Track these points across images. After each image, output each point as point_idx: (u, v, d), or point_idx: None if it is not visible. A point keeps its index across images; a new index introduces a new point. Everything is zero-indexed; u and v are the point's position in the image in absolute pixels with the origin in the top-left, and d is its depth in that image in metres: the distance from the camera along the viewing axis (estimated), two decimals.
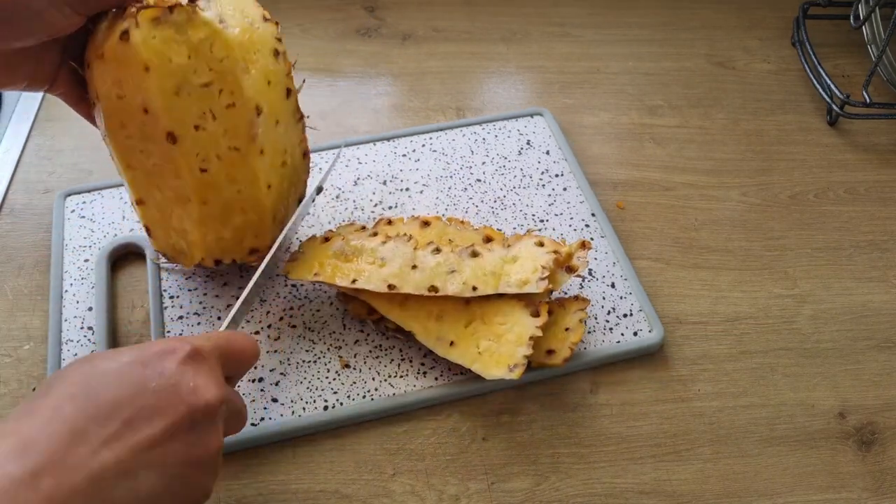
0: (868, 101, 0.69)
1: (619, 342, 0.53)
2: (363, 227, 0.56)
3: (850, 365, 0.55)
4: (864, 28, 0.77)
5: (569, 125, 0.70)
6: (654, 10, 0.84)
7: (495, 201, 0.62)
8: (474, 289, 0.50)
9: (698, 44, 0.80)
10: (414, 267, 0.51)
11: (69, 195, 0.61)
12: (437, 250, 0.52)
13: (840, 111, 0.70)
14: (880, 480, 0.49)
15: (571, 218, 0.61)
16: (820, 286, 0.59)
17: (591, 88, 0.75)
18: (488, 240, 0.54)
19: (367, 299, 0.52)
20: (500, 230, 0.58)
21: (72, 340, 0.53)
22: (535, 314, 0.49)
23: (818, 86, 0.73)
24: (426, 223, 0.56)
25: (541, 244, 0.52)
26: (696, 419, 0.51)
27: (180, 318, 0.54)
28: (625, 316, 0.55)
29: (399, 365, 0.52)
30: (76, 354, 0.52)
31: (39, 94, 0.71)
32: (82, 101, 0.49)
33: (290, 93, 0.49)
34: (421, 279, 0.50)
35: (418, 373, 0.51)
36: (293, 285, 0.56)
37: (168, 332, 0.53)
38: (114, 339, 0.53)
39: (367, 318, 0.53)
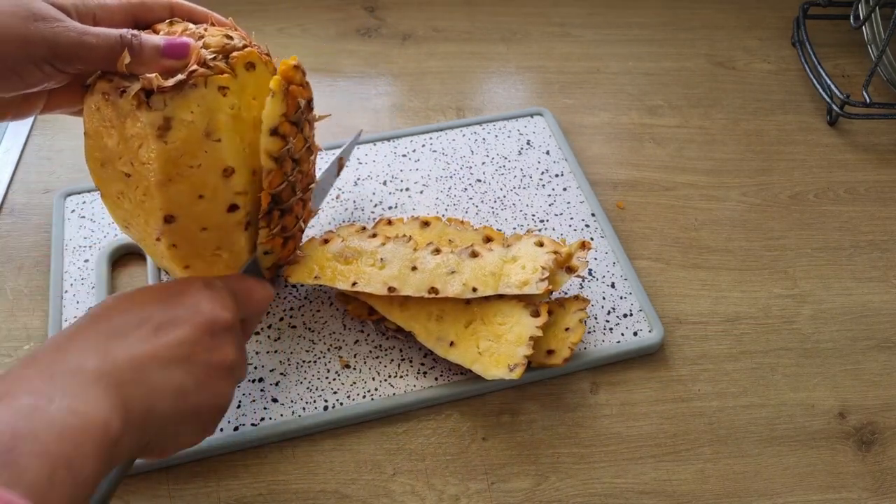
0: (868, 101, 0.69)
1: (619, 342, 0.53)
2: (363, 228, 0.56)
3: (850, 365, 0.55)
4: (864, 28, 0.77)
5: (569, 125, 0.70)
6: (654, 10, 0.84)
7: (495, 201, 0.62)
8: (474, 290, 0.50)
9: (698, 44, 0.80)
10: (414, 268, 0.51)
11: (69, 195, 0.61)
12: (437, 251, 0.52)
13: (840, 111, 0.70)
14: (880, 480, 0.49)
15: (571, 218, 0.61)
16: (820, 286, 0.59)
17: (591, 88, 0.75)
18: (488, 240, 0.54)
19: (367, 300, 0.52)
20: (500, 230, 0.59)
21: None
22: (535, 314, 0.49)
23: (818, 86, 0.73)
24: (426, 223, 0.56)
25: (540, 244, 0.52)
26: (696, 419, 0.51)
27: None
28: (625, 316, 0.55)
29: (399, 365, 0.52)
30: None
31: None
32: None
33: (234, 208, 0.45)
34: (421, 281, 0.50)
35: (418, 373, 0.51)
36: (293, 286, 0.56)
37: None
38: None
39: (368, 319, 0.53)
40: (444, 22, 0.81)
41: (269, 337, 0.53)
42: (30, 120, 0.69)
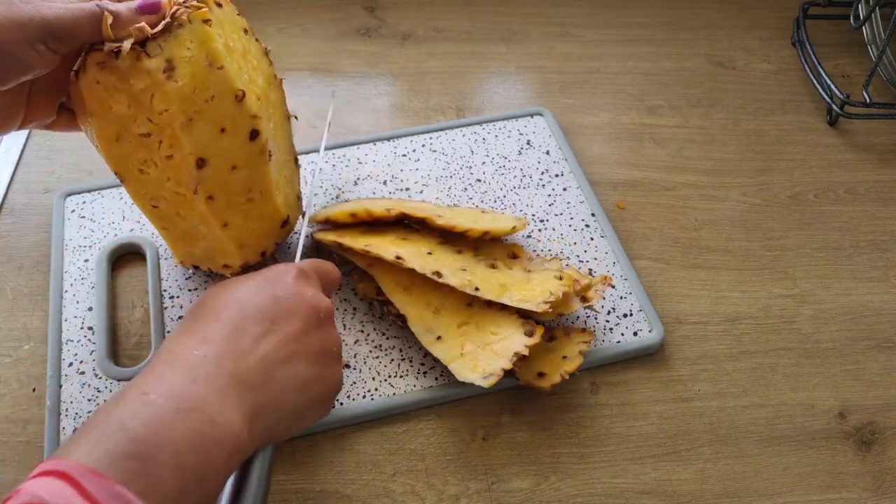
0: (868, 101, 0.69)
1: (619, 342, 0.53)
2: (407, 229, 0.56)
3: (850, 365, 0.55)
4: (864, 28, 0.77)
5: (569, 125, 0.70)
6: (654, 10, 0.84)
7: (495, 201, 0.62)
8: (476, 289, 0.50)
9: (698, 44, 0.80)
10: (430, 253, 0.52)
11: (69, 195, 0.61)
12: (459, 251, 0.53)
13: (840, 111, 0.70)
14: (880, 480, 0.49)
15: (571, 218, 0.61)
16: (820, 286, 0.59)
17: (591, 88, 0.75)
18: (514, 256, 0.55)
19: (376, 276, 0.52)
20: (532, 250, 0.59)
21: (72, 340, 0.53)
22: (530, 334, 0.49)
23: (818, 86, 0.73)
24: (459, 251, 0.55)
25: (560, 279, 0.51)
26: (696, 419, 0.51)
27: (180, 317, 0.54)
28: (625, 316, 0.55)
29: (399, 365, 0.52)
30: (76, 354, 0.52)
31: None
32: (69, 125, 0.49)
33: (255, 134, 0.46)
34: (430, 263, 0.51)
35: (418, 373, 0.51)
36: None
37: (168, 331, 0.53)
38: (114, 339, 0.53)
39: (375, 299, 0.53)
40: (444, 22, 0.81)
41: None
42: None
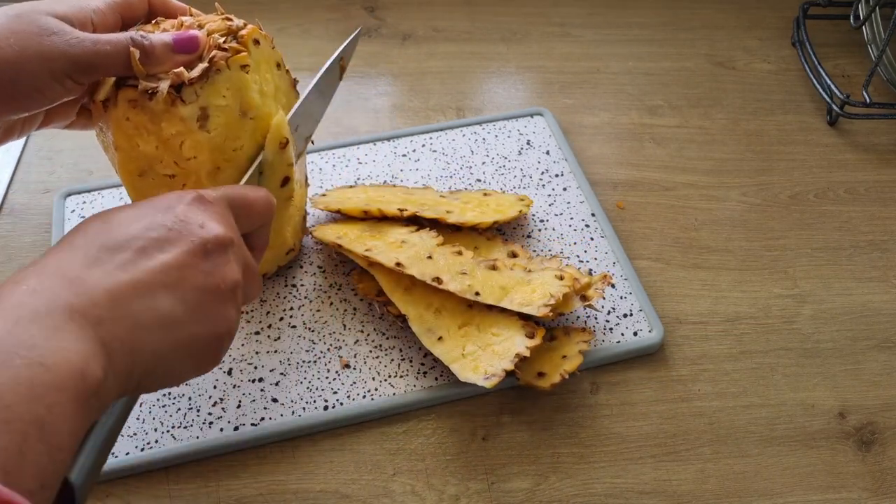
0: (868, 101, 0.69)
1: (619, 342, 0.53)
2: (410, 227, 0.56)
3: (850, 365, 0.55)
4: (864, 28, 0.77)
5: (569, 125, 0.70)
6: (654, 10, 0.84)
7: None
8: (476, 294, 0.50)
9: (698, 44, 0.80)
10: (430, 257, 0.52)
11: (69, 195, 0.61)
12: (459, 252, 0.52)
13: (840, 111, 0.70)
14: (880, 480, 0.49)
15: (571, 218, 0.61)
16: (820, 286, 0.59)
17: (591, 88, 0.75)
18: (514, 255, 0.55)
19: (377, 276, 0.52)
20: (532, 250, 0.59)
21: None
22: (531, 335, 0.49)
23: (818, 86, 0.73)
24: (459, 228, 0.56)
25: (560, 278, 0.51)
26: (696, 419, 0.51)
27: None
28: (625, 316, 0.55)
29: (399, 365, 0.52)
30: None
31: None
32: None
33: (286, 181, 0.47)
34: (429, 268, 0.51)
35: (418, 373, 0.51)
36: (293, 285, 0.56)
37: None
38: None
39: (375, 300, 0.54)
40: (444, 22, 0.81)
41: (269, 337, 0.53)
42: None
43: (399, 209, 0.56)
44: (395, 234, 0.54)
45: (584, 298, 0.52)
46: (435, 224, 0.56)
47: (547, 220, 0.61)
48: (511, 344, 0.49)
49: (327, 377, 0.51)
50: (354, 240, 0.54)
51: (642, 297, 0.56)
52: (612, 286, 0.55)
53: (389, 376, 0.51)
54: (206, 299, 0.35)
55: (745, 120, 0.72)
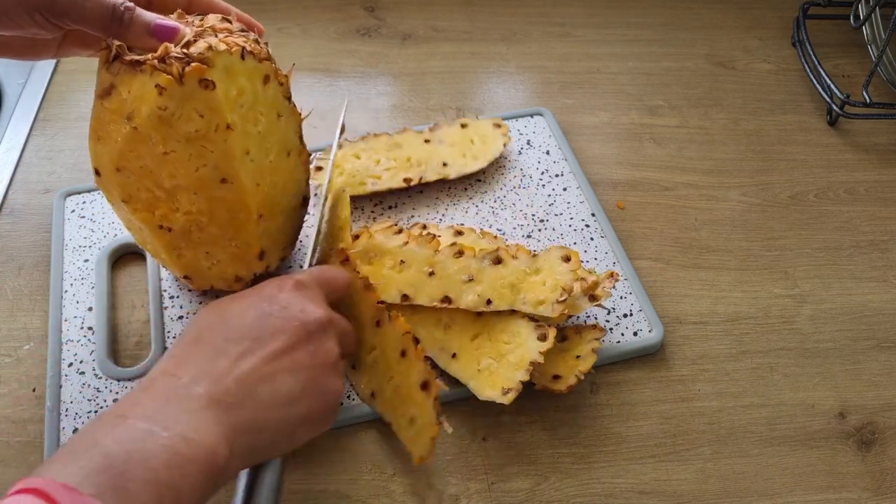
0: (868, 101, 0.69)
1: (619, 342, 0.53)
2: (396, 227, 0.54)
3: (850, 365, 0.55)
4: (864, 28, 0.77)
5: (569, 125, 0.70)
6: (654, 10, 0.84)
7: (495, 201, 0.62)
8: (489, 302, 0.49)
9: (698, 44, 0.80)
10: (431, 273, 0.51)
11: (69, 195, 0.61)
12: (460, 253, 0.51)
13: (840, 111, 0.70)
14: (880, 480, 0.49)
15: (571, 218, 0.61)
16: (820, 286, 0.59)
17: (591, 88, 0.75)
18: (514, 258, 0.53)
19: (382, 295, 0.51)
20: (532, 249, 0.55)
21: (72, 340, 0.53)
22: (543, 338, 0.48)
23: (818, 86, 0.73)
24: (459, 233, 0.56)
25: (567, 259, 0.50)
26: (696, 419, 0.51)
27: (180, 318, 0.54)
28: (625, 316, 0.55)
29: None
30: (76, 354, 0.52)
31: (40, 94, 0.71)
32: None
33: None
34: (436, 288, 0.50)
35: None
36: None
37: (168, 332, 0.53)
38: (114, 338, 0.53)
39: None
40: (444, 22, 0.81)
41: None
42: (30, 120, 0.69)
43: (405, 179, 0.59)
44: (391, 254, 0.52)
45: (592, 298, 0.51)
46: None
47: (547, 220, 0.61)
48: (524, 351, 0.48)
49: None
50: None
51: (642, 297, 0.56)
52: (617, 284, 0.55)
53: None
54: (316, 375, 0.41)
55: (745, 120, 0.72)
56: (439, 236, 0.54)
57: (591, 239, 0.60)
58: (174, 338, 0.53)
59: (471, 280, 0.50)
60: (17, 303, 0.56)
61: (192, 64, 0.42)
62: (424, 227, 0.57)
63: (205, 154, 0.44)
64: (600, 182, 0.65)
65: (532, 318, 0.50)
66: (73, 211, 0.60)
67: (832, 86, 0.71)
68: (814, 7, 0.79)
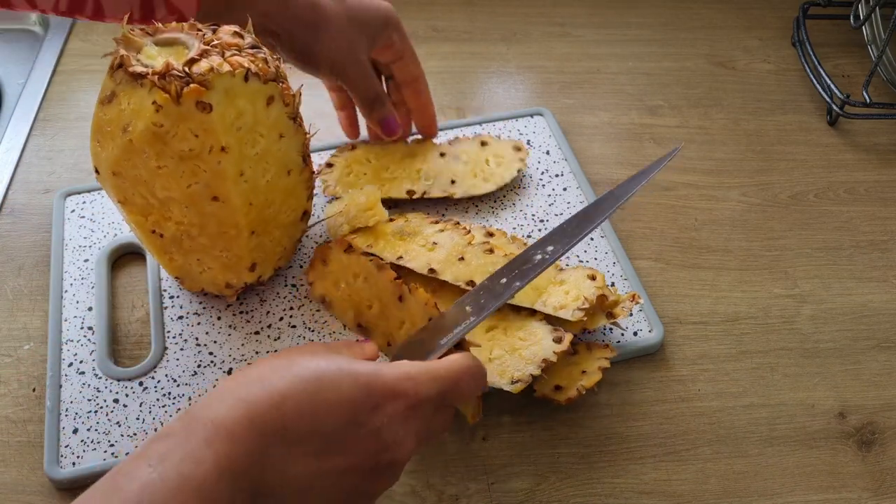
0: (868, 101, 0.69)
1: (619, 342, 0.53)
2: (435, 221, 0.56)
3: (850, 365, 0.55)
4: (864, 28, 0.77)
5: (569, 125, 0.70)
6: (654, 10, 0.84)
7: (495, 201, 0.62)
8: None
9: (698, 44, 0.80)
10: (461, 259, 0.52)
11: (69, 195, 0.61)
12: (491, 251, 0.52)
13: (840, 111, 0.70)
14: (880, 480, 0.49)
15: None
16: (820, 286, 0.59)
17: (591, 88, 0.75)
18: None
19: (405, 274, 0.52)
20: (560, 264, 0.55)
21: (72, 340, 0.53)
22: (559, 340, 0.49)
23: (818, 86, 0.73)
24: (490, 234, 0.56)
25: (593, 277, 0.52)
26: (696, 419, 0.51)
27: (180, 318, 0.54)
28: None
29: None
30: (76, 354, 0.52)
31: (40, 94, 0.71)
32: None
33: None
34: (462, 272, 0.51)
35: None
36: (293, 285, 0.56)
37: (168, 331, 0.53)
38: (114, 338, 0.53)
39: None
40: (444, 22, 0.81)
41: (268, 337, 0.53)
42: (30, 120, 0.69)
43: (408, 191, 0.59)
44: (424, 235, 0.54)
45: (610, 315, 0.51)
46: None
47: (547, 221, 0.61)
48: (539, 349, 0.48)
49: None
50: (385, 247, 0.54)
51: (642, 297, 0.56)
52: (640, 304, 0.53)
53: None
54: (349, 499, 0.35)
55: (745, 120, 0.72)
56: (468, 230, 0.55)
57: (591, 239, 0.60)
58: (174, 337, 0.53)
59: None
60: (17, 303, 0.56)
61: (191, 85, 0.41)
62: (458, 223, 0.56)
63: (197, 172, 0.44)
64: (600, 182, 0.65)
65: (549, 323, 0.50)
66: (73, 211, 0.60)
67: (832, 86, 0.71)
68: (814, 7, 0.79)
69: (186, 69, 0.41)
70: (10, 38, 0.80)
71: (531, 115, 0.69)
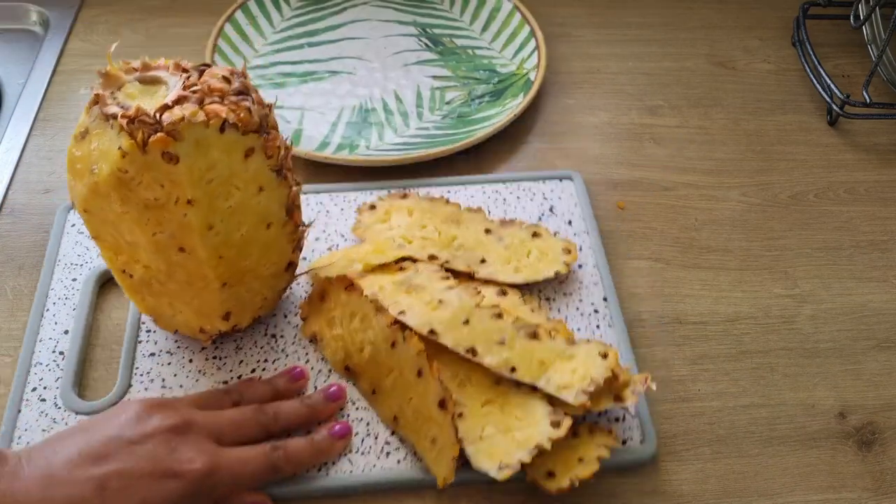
0: (868, 101, 0.69)
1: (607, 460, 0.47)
2: (447, 276, 0.52)
3: (850, 365, 0.55)
4: (864, 28, 0.77)
5: (569, 125, 0.70)
6: (654, 10, 0.84)
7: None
8: (513, 370, 0.47)
9: (698, 44, 0.80)
10: (466, 322, 0.48)
11: (73, 208, 0.59)
12: (499, 316, 0.49)
13: (840, 111, 0.70)
14: (880, 480, 0.49)
15: (580, 300, 0.56)
16: (820, 286, 0.59)
17: (591, 88, 0.75)
18: (554, 331, 0.50)
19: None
20: (572, 329, 0.54)
21: (41, 364, 0.51)
22: (557, 424, 0.45)
23: (818, 86, 0.73)
24: (503, 292, 0.54)
25: (604, 355, 0.48)
26: (696, 419, 0.51)
27: (152, 354, 0.52)
28: (616, 420, 0.50)
29: (363, 440, 0.48)
30: (42, 380, 0.50)
31: (40, 94, 0.71)
32: None
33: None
34: (465, 337, 0.48)
35: (381, 451, 0.48)
36: (272, 335, 0.53)
37: (136, 368, 0.51)
38: (84, 366, 0.52)
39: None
40: None
41: None
42: (30, 120, 0.69)
43: (430, 255, 0.55)
44: (432, 290, 0.50)
45: (617, 398, 0.47)
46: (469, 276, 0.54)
47: (554, 300, 0.56)
48: (534, 431, 0.45)
49: None
50: (388, 295, 0.50)
51: (641, 401, 0.51)
52: (653, 388, 0.47)
53: (350, 451, 0.48)
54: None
55: (745, 120, 0.72)
56: (479, 291, 0.51)
57: (598, 327, 0.54)
58: (141, 375, 0.51)
59: (502, 343, 0.48)
60: (17, 303, 0.56)
61: (159, 134, 0.39)
62: (472, 276, 0.54)
63: (163, 222, 0.42)
64: (600, 182, 0.65)
65: (550, 402, 0.47)
66: (73, 225, 0.59)
67: (832, 86, 0.71)
68: (814, 7, 0.79)
69: (158, 115, 0.39)
70: (10, 38, 0.80)
71: (560, 179, 0.64)
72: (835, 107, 0.70)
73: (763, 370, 0.54)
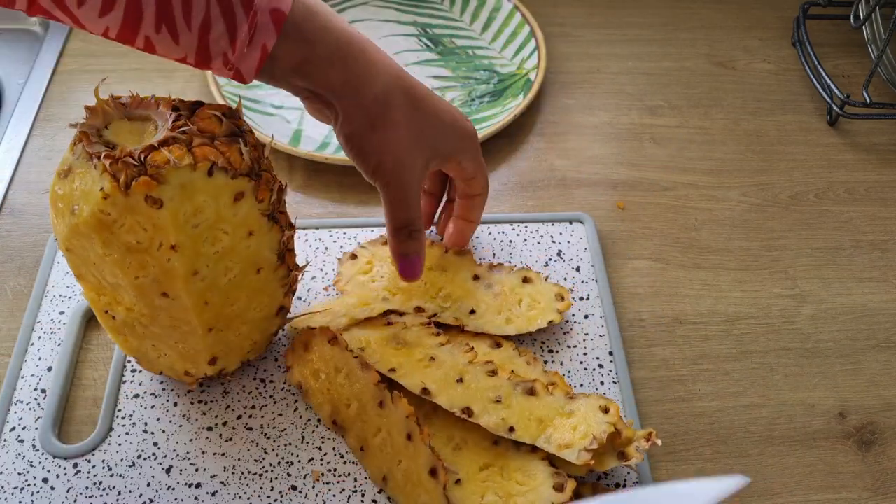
0: (868, 101, 0.69)
1: None
2: (438, 332, 0.51)
3: (850, 365, 0.55)
4: (864, 28, 0.77)
5: (569, 125, 0.70)
6: (654, 10, 0.84)
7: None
8: (511, 430, 0.45)
9: (698, 44, 0.80)
10: (460, 380, 0.47)
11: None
12: (493, 373, 0.47)
13: (840, 111, 0.70)
14: (880, 480, 0.49)
15: (585, 354, 0.53)
16: (820, 286, 0.59)
17: (591, 88, 0.75)
18: (552, 383, 0.49)
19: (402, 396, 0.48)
20: (573, 384, 0.52)
21: (22, 402, 0.49)
22: (560, 488, 0.43)
23: (818, 86, 0.73)
24: (498, 343, 0.52)
25: (605, 410, 0.46)
26: (696, 419, 0.51)
27: (136, 396, 0.50)
28: (617, 485, 0.48)
29: (349, 498, 0.46)
30: (21, 419, 0.49)
31: (40, 94, 0.71)
32: None
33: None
34: (459, 396, 0.46)
35: None
36: (261, 380, 0.51)
37: (119, 410, 0.49)
38: (66, 405, 0.50)
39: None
40: None
41: (220, 436, 0.48)
42: (30, 120, 0.69)
43: (416, 308, 0.52)
44: (423, 348, 0.49)
45: (622, 456, 0.45)
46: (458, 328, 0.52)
47: (556, 352, 0.53)
48: (536, 497, 0.43)
49: (269, 497, 0.46)
50: (377, 352, 0.49)
51: (643, 467, 0.48)
52: (658, 444, 0.46)
53: None
54: None
55: (745, 120, 0.72)
56: (472, 348, 0.50)
57: (602, 383, 0.52)
58: (123, 418, 0.49)
59: (498, 401, 0.46)
60: (18, 303, 0.56)
61: (142, 177, 0.37)
62: (462, 328, 0.52)
63: (146, 266, 0.40)
64: (600, 182, 0.65)
65: (551, 463, 0.45)
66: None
67: (832, 86, 0.71)
68: (814, 7, 0.79)
69: (142, 157, 0.37)
70: (10, 38, 0.80)
71: (570, 221, 0.61)
72: (835, 107, 0.70)
73: (763, 370, 0.54)
